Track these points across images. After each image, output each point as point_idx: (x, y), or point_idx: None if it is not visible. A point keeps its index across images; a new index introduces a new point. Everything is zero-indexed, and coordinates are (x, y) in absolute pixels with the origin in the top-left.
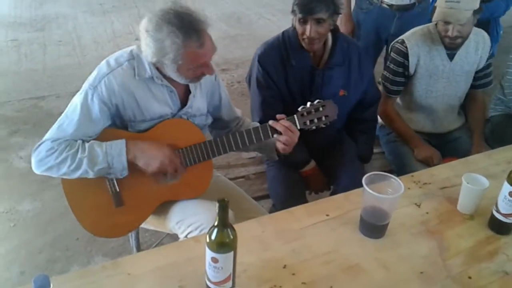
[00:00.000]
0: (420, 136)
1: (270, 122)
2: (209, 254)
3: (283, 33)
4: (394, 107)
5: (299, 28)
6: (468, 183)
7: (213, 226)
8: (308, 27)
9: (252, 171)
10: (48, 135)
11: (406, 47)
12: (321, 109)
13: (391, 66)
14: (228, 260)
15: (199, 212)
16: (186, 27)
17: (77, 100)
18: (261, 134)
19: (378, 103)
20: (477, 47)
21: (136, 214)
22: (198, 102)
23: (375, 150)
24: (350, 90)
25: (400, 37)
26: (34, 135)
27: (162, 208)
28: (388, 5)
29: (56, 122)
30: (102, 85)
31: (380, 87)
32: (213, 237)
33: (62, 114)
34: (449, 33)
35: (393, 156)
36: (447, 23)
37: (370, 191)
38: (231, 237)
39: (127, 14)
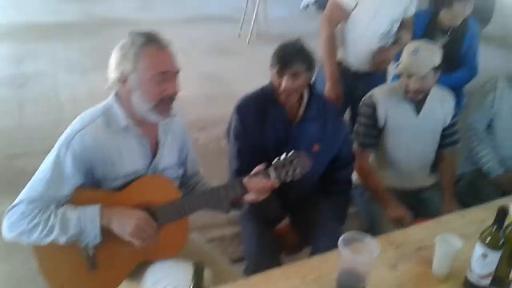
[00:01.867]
0: (393, 194)
1: (245, 180)
2: None
3: (262, 87)
4: (369, 163)
5: (276, 81)
6: (442, 243)
7: None
8: (284, 79)
9: (228, 232)
10: (21, 196)
11: (374, 100)
12: (294, 161)
13: (362, 119)
14: None
15: (175, 272)
16: (149, 35)
17: (49, 158)
18: (239, 190)
19: (353, 165)
20: (442, 105)
21: (111, 278)
22: (167, 153)
23: (351, 210)
24: (324, 145)
25: (369, 92)
26: (6, 194)
27: (137, 269)
28: (354, 71)
29: (29, 183)
30: (75, 141)
31: (354, 144)
32: None
33: (35, 175)
34: (411, 86)
35: (367, 215)
36: (409, 76)
37: (346, 253)
38: None
39: (105, 74)
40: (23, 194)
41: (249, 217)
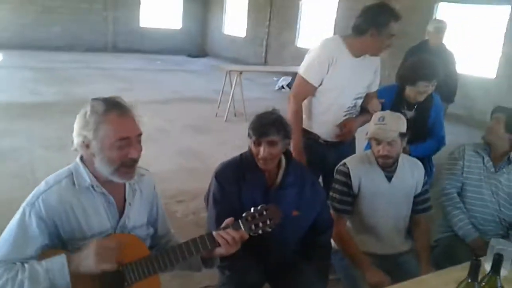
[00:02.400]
0: (371, 258)
1: (214, 233)
2: None
3: (241, 155)
4: (346, 229)
5: (254, 149)
6: None
7: None
8: (261, 148)
9: None
10: None
11: (347, 168)
12: (264, 213)
13: (336, 186)
14: None
15: None
16: (110, 102)
17: (14, 220)
18: (208, 244)
19: (332, 229)
20: (412, 172)
21: None
22: (136, 212)
23: (332, 276)
24: (303, 211)
25: (342, 161)
26: None
27: None
28: (324, 141)
29: None
30: (39, 201)
31: (330, 210)
32: None
33: (0, 235)
34: (380, 152)
35: (348, 281)
36: (378, 142)
37: None
38: None
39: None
40: None
41: (228, 285)
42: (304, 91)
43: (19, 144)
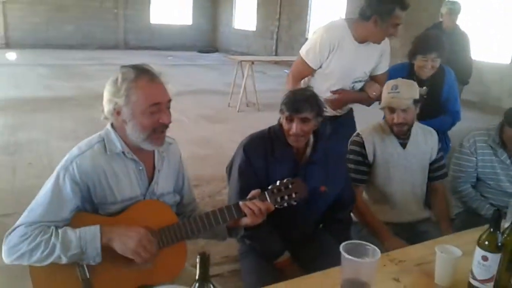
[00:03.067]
0: (389, 228)
1: (240, 203)
2: None
3: (269, 128)
4: (363, 199)
5: (285, 125)
6: (442, 252)
7: (194, 284)
8: (294, 124)
9: (227, 269)
10: (20, 220)
11: (361, 137)
12: (290, 186)
13: (351, 156)
14: None
15: None
16: (139, 68)
17: (48, 183)
18: (235, 213)
19: (353, 205)
20: (425, 139)
21: None
22: (164, 179)
23: None
24: (329, 186)
25: (356, 132)
26: None
27: None
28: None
29: (28, 208)
30: (73, 165)
31: None
32: None
33: (34, 199)
34: (395, 120)
35: None
36: (392, 111)
37: (349, 256)
38: None
39: None
40: (22, 218)
41: (249, 252)
42: (302, 71)
43: (35, 136)
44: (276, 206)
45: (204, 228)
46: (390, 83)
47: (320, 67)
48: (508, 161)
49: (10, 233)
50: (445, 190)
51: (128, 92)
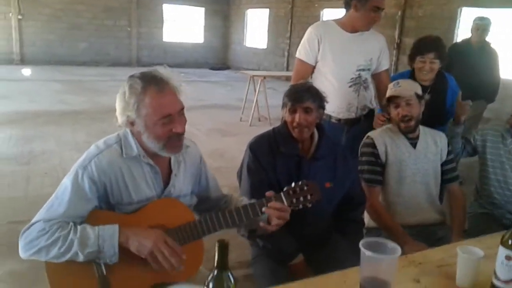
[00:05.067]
0: (406, 230)
1: (263, 202)
2: None
3: (273, 129)
4: (379, 201)
5: (289, 117)
6: (464, 253)
7: (212, 271)
8: (297, 115)
9: (240, 274)
10: (37, 217)
11: (371, 138)
12: (305, 188)
13: (364, 159)
14: None
15: None
16: (147, 77)
17: (67, 181)
18: (251, 213)
19: (364, 206)
20: (434, 140)
21: None
22: (181, 182)
23: None
24: (336, 182)
25: (366, 135)
26: (7, 255)
27: None
28: (336, 119)
29: (45, 204)
30: (92, 164)
31: (363, 185)
32: (211, 283)
33: (52, 196)
34: (400, 113)
35: None
36: (396, 105)
37: (369, 252)
38: (232, 282)
39: None
40: (40, 214)
41: (262, 257)
42: (302, 72)
43: (49, 147)
44: (291, 207)
45: (220, 226)
46: (392, 83)
47: (317, 61)
48: None
49: (27, 229)
50: (463, 193)
51: (138, 106)
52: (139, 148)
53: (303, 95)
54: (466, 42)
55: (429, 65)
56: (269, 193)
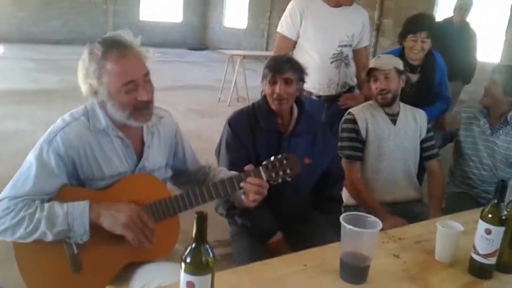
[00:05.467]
0: (384, 209)
1: (238, 176)
2: (184, 278)
3: (253, 104)
4: (359, 177)
5: (268, 89)
6: (443, 227)
7: (189, 245)
8: (277, 86)
9: (219, 253)
10: (2, 194)
11: (353, 114)
12: (284, 161)
13: (344, 135)
14: (206, 284)
15: (166, 274)
16: (108, 42)
17: (31, 157)
18: (228, 189)
19: (342, 182)
20: (414, 117)
21: (96, 280)
22: (155, 154)
23: None
24: (315, 158)
25: (346, 112)
26: None
27: (123, 272)
28: (316, 96)
29: (10, 181)
30: (57, 138)
31: (342, 161)
32: (189, 256)
33: (16, 173)
34: (378, 87)
35: None
36: (375, 79)
37: (349, 226)
38: (211, 255)
39: None
40: (5, 192)
41: (241, 235)
42: (283, 46)
43: (21, 126)
44: (270, 182)
45: (197, 202)
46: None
47: (298, 37)
48: (488, 131)
49: None
50: (442, 171)
51: (98, 73)
52: (107, 120)
53: (284, 66)
54: (447, 21)
55: (421, 44)
56: (248, 167)
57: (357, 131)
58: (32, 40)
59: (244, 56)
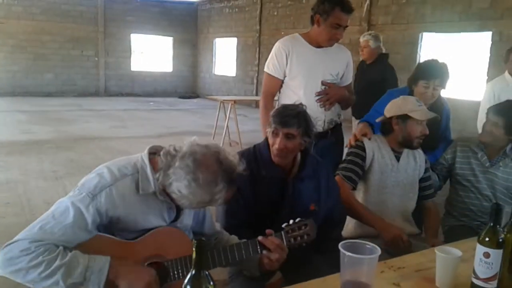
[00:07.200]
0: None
1: (260, 238)
2: None
3: (254, 146)
4: (351, 192)
5: (270, 139)
6: (442, 253)
7: (189, 273)
8: (278, 139)
9: None
10: (24, 234)
11: (362, 142)
12: (303, 227)
13: (349, 158)
14: None
15: None
16: (230, 179)
17: (68, 202)
18: (250, 250)
19: (344, 223)
20: (414, 156)
21: None
22: (187, 218)
23: None
24: (320, 205)
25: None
26: None
27: None
28: None
29: (37, 221)
30: (102, 195)
31: (337, 178)
32: (189, 284)
33: (47, 215)
34: (422, 132)
35: None
36: (419, 123)
37: (348, 253)
38: (211, 283)
39: (80, 179)
40: (28, 232)
41: (239, 275)
42: (270, 86)
43: (13, 176)
44: (290, 247)
45: (226, 261)
46: (408, 99)
47: (285, 76)
48: (487, 163)
49: (10, 244)
50: (438, 209)
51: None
52: (157, 186)
53: (289, 120)
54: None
55: (432, 92)
56: (268, 231)
57: (362, 157)
58: (25, 93)
59: (235, 101)
